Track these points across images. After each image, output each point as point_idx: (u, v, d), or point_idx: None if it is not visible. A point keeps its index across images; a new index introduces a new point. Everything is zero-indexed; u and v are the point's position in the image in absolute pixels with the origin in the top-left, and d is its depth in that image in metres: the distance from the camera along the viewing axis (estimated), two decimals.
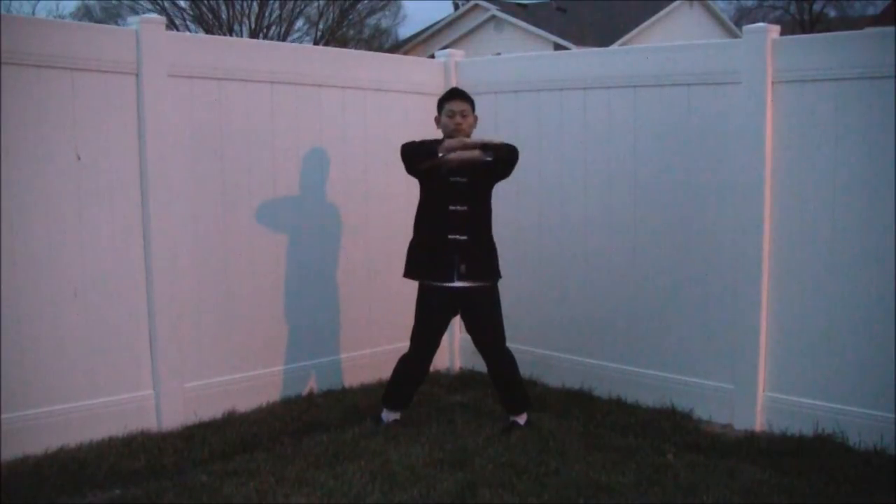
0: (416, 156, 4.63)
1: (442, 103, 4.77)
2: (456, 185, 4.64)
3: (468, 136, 4.71)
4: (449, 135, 4.70)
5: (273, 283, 5.31)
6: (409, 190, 4.96)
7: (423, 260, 4.74)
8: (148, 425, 4.76)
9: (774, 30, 4.77)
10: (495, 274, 4.80)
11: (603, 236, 5.45)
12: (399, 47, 30.39)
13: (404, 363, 4.90)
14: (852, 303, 4.54)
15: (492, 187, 4.76)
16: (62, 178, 4.46)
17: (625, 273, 5.37)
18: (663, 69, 5.11)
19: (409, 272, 4.81)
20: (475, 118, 4.79)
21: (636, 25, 27.84)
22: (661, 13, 28.56)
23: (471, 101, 4.77)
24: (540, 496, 3.89)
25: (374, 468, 4.18)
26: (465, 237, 4.65)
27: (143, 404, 4.78)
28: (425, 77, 6.02)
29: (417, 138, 4.72)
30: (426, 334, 4.81)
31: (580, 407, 5.20)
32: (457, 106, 4.70)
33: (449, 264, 4.64)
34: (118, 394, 4.70)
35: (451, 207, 4.64)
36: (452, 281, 4.65)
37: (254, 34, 27.29)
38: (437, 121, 4.80)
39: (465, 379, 5.86)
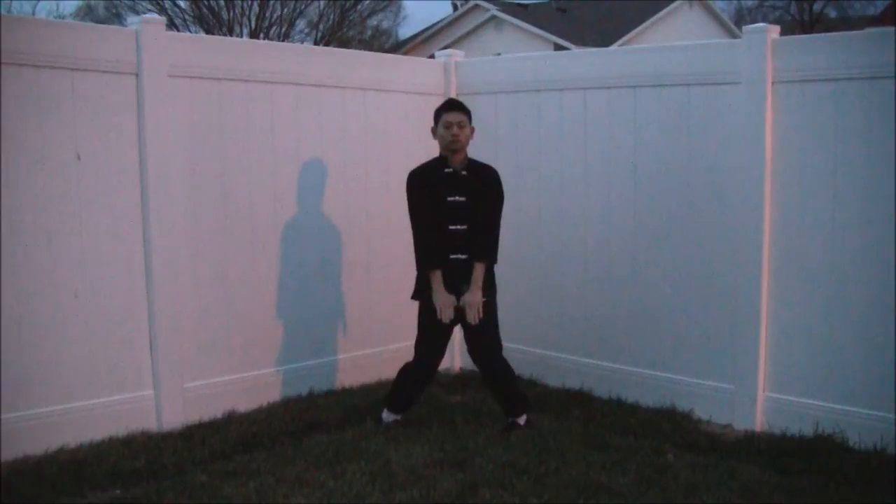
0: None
1: (439, 114, 4.76)
2: (455, 204, 4.63)
3: (464, 146, 4.70)
4: (446, 146, 4.70)
5: (273, 283, 5.31)
6: None
7: (427, 282, 4.71)
8: (148, 425, 4.77)
9: (774, 30, 4.77)
10: (493, 291, 4.78)
11: (603, 236, 5.45)
12: (399, 47, 30.41)
13: (409, 372, 4.86)
14: (852, 303, 4.54)
15: None
16: (62, 178, 4.46)
17: (624, 273, 5.37)
18: (663, 69, 5.11)
19: (417, 294, 4.78)
20: (472, 129, 4.77)
21: (636, 25, 27.85)
22: (661, 13, 28.58)
23: (468, 113, 4.75)
24: (540, 496, 3.89)
25: (375, 468, 4.18)
26: (465, 256, 4.64)
27: (143, 404, 4.78)
28: (425, 77, 6.02)
29: (419, 155, 4.72)
30: (431, 344, 4.79)
31: (580, 407, 5.20)
32: (454, 117, 4.69)
33: (451, 285, 4.62)
34: (118, 394, 4.70)
35: (451, 227, 4.63)
36: (456, 301, 4.64)
37: (254, 35, 27.26)
38: (434, 132, 4.78)
39: (465, 379, 5.85)
